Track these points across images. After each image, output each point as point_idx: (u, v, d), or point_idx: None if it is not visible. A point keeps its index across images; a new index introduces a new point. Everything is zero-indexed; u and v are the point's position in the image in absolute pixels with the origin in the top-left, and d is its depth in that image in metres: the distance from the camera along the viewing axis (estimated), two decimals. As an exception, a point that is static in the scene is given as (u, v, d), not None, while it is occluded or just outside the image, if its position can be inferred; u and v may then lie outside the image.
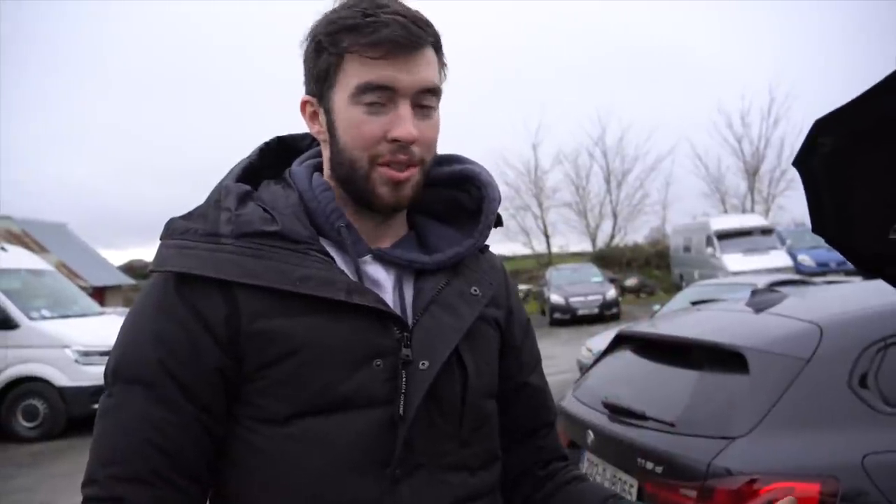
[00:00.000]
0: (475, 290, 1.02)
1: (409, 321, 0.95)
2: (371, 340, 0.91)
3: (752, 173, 29.09)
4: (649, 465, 2.11)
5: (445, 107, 1.00)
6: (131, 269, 29.13)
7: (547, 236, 30.63)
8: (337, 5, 0.95)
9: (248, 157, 1.04)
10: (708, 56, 43.44)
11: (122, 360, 0.90)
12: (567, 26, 47.59)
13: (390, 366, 0.91)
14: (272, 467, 0.89)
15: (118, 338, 0.93)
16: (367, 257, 0.98)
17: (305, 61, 0.98)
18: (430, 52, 0.95)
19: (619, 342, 3.09)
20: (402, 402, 0.90)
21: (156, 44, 53.88)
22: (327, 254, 0.94)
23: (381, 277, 0.98)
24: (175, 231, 0.93)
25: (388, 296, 0.97)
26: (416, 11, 0.95)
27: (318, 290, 0.89)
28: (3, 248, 9.45)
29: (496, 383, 1.06)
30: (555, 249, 30.82)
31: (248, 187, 0.97)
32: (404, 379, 0.91)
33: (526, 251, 30.45)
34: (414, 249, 1.02)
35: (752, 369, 2.10)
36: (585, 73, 44.37)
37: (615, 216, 30.59)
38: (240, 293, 0.89)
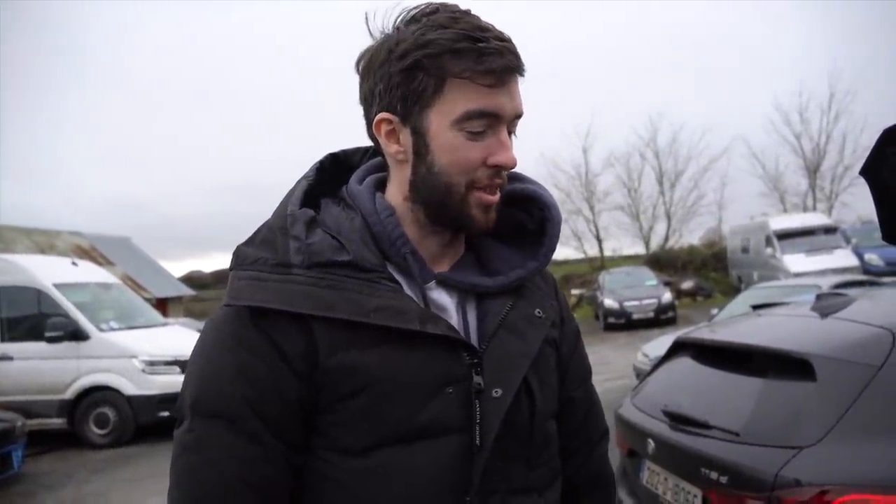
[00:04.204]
0: (539, 313, 1.02)
1: (476, 345, 0.95)
2: (442, 368, 0.91)
3: (812, 171, 28.02)
4: (714, 475, 2.07)
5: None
6: (190, 279, 30.12)
7: (599, 240, 30.21)
8: (422, 24, 0.91)
9: (306, 178, 1.01)
10: (761, 53, 42.20)
11: (201, 395, 0.88)
12: (615, 25, 47.06)
13: (462, 393, 0.91)
14: (349, 498, 0.89)
15: (193, 369, 0.91)
16: (432, 283, 0.97)
17: (385, 78, 0.92)
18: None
19: (678, 349, 3.04)
20: (477, 432, 0.90)
21: (207, 61, 55.68)
22: (395, 280, 0.93)
23: (446, 302, 0.97)
24: (245, 260, 0.91)
25: (454, 320, 0.96)
26: (509, 36, 0.93)
27: (391, 320, 0.88)
28: (74, 263, 9.88)
29: (556, 403, 1.06)
30: (607, 253, 30.38)
31: (312, 213, 0.95)
32: (478, 408, 0.90)
33: (578, 255, 30.13)
34: (474, 271, 1.01)
35: (820, 377, 2.04)
36: (634, 73, 43.72)
37: (669, 218, 29.90)
38: (315, 326, 0.88)
